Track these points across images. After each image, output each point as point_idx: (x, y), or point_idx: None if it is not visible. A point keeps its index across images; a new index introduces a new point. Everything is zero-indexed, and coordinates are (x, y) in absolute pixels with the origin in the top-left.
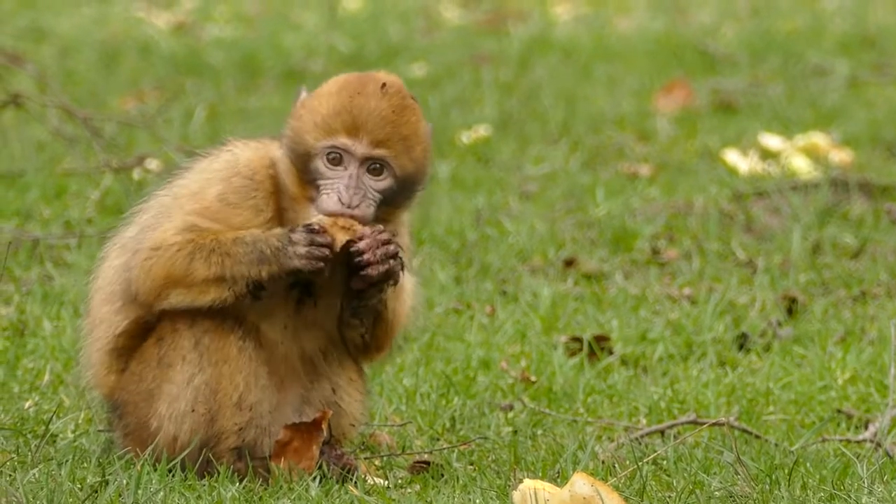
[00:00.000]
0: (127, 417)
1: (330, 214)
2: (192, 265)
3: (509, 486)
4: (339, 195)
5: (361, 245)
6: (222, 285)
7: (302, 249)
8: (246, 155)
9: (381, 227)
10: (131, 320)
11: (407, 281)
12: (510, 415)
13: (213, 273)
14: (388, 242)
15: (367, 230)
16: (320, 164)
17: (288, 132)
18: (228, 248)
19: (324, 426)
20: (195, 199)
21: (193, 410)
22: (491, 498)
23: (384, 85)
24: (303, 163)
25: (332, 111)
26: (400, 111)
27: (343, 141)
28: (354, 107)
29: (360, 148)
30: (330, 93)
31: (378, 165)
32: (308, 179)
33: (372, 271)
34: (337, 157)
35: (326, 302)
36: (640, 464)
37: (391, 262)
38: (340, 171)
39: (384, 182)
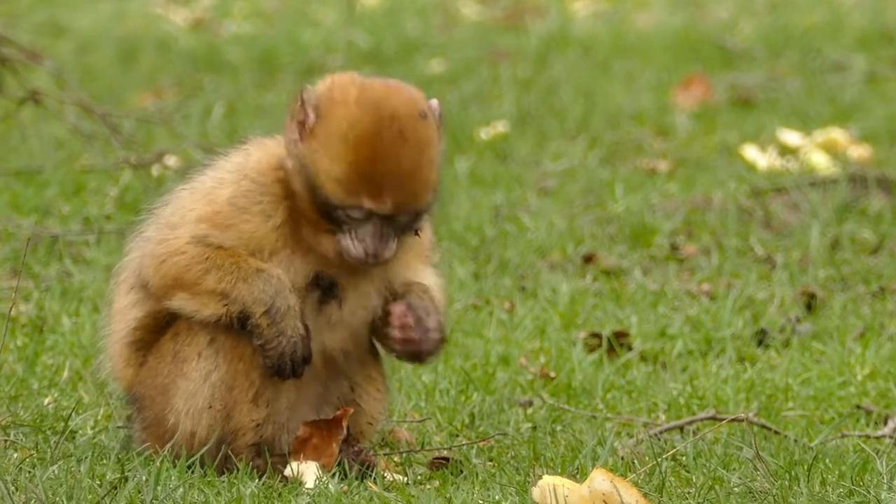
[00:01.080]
0: (145, 411)
1: (354, 261)
2: (205, 277)
3: (528, 482)
4: (366, 247)
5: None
6: (223, 302)
7: (287, 350)
8: (256, 156)
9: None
10: (147, 313)
11: (433, 282)
12: (529, 411)
13: (221, 288)
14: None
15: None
16: (341, 214)
17: (297, 154)
18: (247, 274)
19: (344, 424)
20: (209, 202)
21: (211, 407)
22: (510, 494)
23: (401, 131)
24: (320, 202)
25: (354, 173)
26: (420, 153)
27: (367, 204)
28: (377, 171)
29: (386, 208)
30: (345, 139)
31: (403, 216)
32: (324, 214)
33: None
34: (361, 213)
35: (353, 304)
36: (659, 460)
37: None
38: (364, 222)
39: (406, 218)
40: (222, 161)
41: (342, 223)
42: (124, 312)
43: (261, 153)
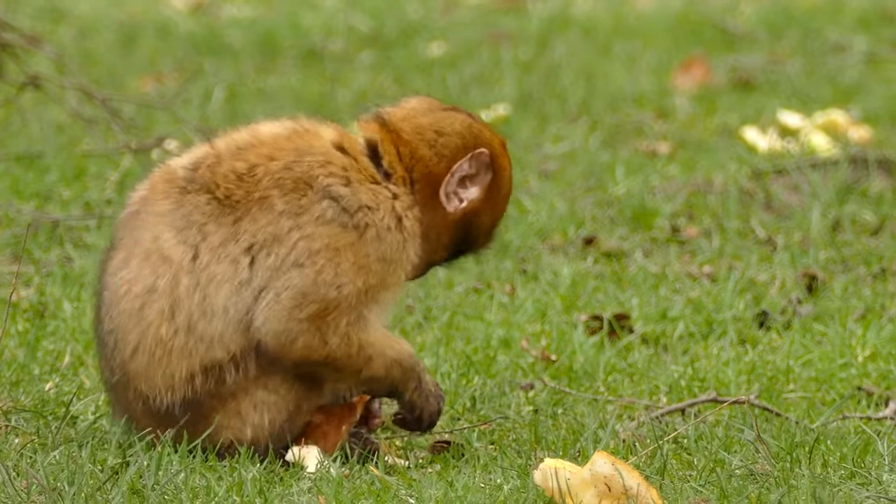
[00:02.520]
0: (199, 413)
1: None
2: (369, 365)
3: (530, 465)
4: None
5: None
6: (371, 384)
7: (436, 408)
8: (367, 196)
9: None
10: (226, 356)
11: None
12: (531, 394)
13: (380, 375)
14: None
15: None
16: (467, 252)
17: (462, 208)
18: (401, 357)
19: (359, 410)
20: (359, 266)
21: (288, 420)
22: (512, 477)
23: None
24: (468, 245)
25: (501, 220)
26: None
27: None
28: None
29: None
30: (506, 193)
31: None
32: (454, 253)
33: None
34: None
35: None
36: (660, 442)
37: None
38: None
39: None
40: (320, 197)
41: (450, 259)
42: (190, 356)
43: (370, 189)
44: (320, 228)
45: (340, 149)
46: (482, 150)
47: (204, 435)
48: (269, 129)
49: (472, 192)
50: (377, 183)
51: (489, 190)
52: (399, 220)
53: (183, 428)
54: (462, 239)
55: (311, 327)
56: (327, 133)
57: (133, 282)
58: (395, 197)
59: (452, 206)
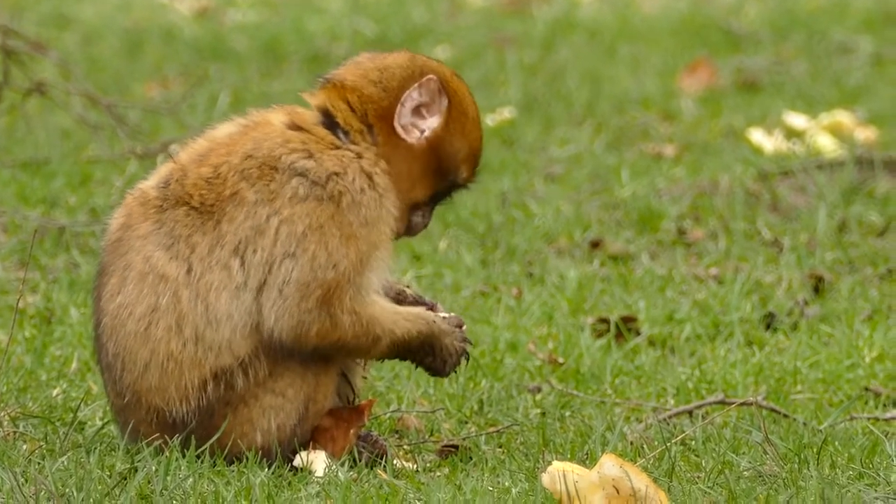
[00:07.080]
0: (211, 420)
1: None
2: (375, 346)
3: (538, 468)
4: (426, 222)
5: None
6: (381, 357)
7: (455, 363)
8: (332, 162)
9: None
10: (239, 356)
11: None
12: (538, 397)
13: (388, 352)
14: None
15: None
16: (444, 192)
17: (427, 138)
18: (409, 324)
19: (367, 415)
20: (346, 236)
21: (297, 423)
22: (520, 480)
23: None
24: (442, 182)
25: (478, 149)
26: None
27: (473, 178)
28: (482, 147)
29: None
30: (473, 119)
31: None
32: (433, 195)
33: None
34: (456, 189)
35: None
36: (668, 444)
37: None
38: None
39: None
40: (288, 176)
41: (433, 202)
42: (196, 364)
43: (332, 155)
44: (297, 207)
45: (294, 127)
46: (429, 76)
47: (212, 440)
48: (223, 130)
49: (433, 121)
50: (338, 148)
51: (450, 115)
52: (370, 178)
53: (198, 438)
54: (437, 172)
55: (321, 313)
56: (277, 117)
57: (133, 304)
58: (359, 156)
59: (413, 137)
